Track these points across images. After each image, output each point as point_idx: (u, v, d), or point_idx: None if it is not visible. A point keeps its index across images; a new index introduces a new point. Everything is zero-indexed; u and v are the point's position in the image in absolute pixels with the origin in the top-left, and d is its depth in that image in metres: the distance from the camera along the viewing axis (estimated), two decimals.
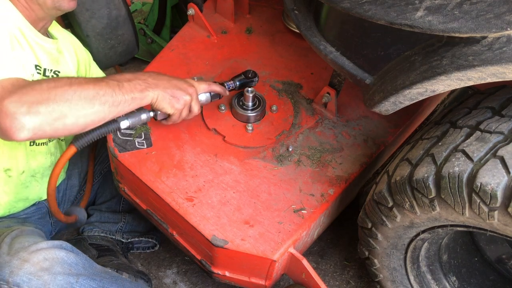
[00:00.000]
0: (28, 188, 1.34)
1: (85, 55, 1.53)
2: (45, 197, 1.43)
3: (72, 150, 1.09)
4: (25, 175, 1.30)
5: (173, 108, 1.12)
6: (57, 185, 1.50)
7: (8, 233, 1.15)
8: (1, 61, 1.01)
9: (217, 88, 1.24)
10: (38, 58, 1.26)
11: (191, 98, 1.14)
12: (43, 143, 1.31)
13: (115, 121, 1.08)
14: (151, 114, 1.15)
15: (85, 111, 0.97)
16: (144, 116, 1.13)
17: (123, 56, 1.79)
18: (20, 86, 0.96)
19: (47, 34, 1.35)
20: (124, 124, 1.10)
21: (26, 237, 1.14)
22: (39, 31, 1.27)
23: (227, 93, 1.28)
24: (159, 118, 1.18)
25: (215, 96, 1.26)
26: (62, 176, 1.54)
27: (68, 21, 1.68)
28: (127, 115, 1.11)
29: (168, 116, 1.16)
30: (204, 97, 1.23)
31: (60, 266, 1.06)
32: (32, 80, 1.10)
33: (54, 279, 1.04)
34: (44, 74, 1.29)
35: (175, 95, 1.11)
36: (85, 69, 1.52)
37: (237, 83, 1.31)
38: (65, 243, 1.15)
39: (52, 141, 1.35)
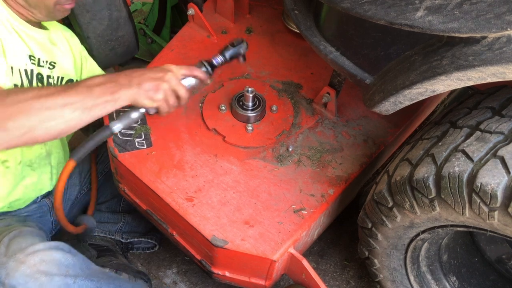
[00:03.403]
0: (25, 178, 1.34)
1: (80, 49, 1.53)
2: (45, 191, 1.44)
3: (71, 164, 1.08)
4: (22, 164, 1.30)
5: (154, 100, 1.07)
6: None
7: (6, 233, 1.14)
8: None
9: (198, 73, 1.16)
10: (30, 48, 1.27)
11: (169, 85, 1.09)
12: None
13: (107, 127, 1.07)
14: (142, 110, 1.11)
15: (54, 121, 0.95)
16: (135, 115, 1.10)
17: (123, 56, 1.79)
18: None
19: (39, 25, 1.36)
20: (117, 128, 1.07)
21: (24, 238, 1.13)
22: (31, 24, 1.28)
23: (209, 81, 1.19)
24: (151, 112, 1.12)
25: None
26: (61, 165, 1.53)
27: (68, 21, 1.68)
28: (118, 118, 1.09)
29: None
30: (188, 82, 1.15)
31: (57, 267, 1.06)
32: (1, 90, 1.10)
33: (51, 281, 1.03)
34: (38, 64, 1.30)
35: (151, 88, 1.06)
36: (81, 63, 1.52)
37: (226, 55, 1.20)
38: (63, 244, 1.15)
39: None
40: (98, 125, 1.29)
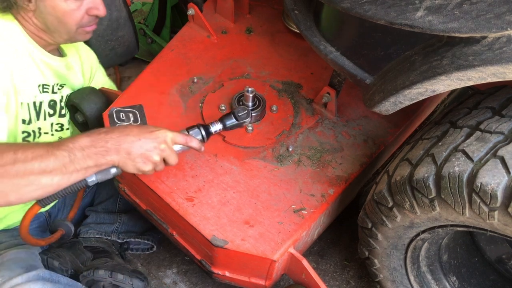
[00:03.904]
0: (26, 205, 1.33)
1: (91, 63, 1.53)
2: (43, 210, 1.43)
3: (36, 209, 1.04)
4: None
5: (140, 170, 1.01)
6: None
7: None
8: None
9: (193, 144, 1.10)
10: (45, 76, 1.27)
11: (160, 156, 1.02)
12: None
13: (82, 179, 0.99)
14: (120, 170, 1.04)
15: (29, 188, 0.90)
16: (114, 171, 1.02)
17: (123, 56, 1.79)
18: None
19: (57, 50, 1.36)
20: (92, 181, 1.01)
21: (3, 270, 1.11)
22: (49, 51, 1.28)
23: (203, 149, 1.13)
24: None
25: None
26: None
27: None
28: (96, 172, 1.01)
29: None
30: (180, 147, 1.10)
31: None
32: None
33: None
34: (52, 91, 1.31)
35: (141, 159, 0.99)
36: (90, 78, 1.53)
37: (227, 124, 1.19)
38: (43, 271, 1.13)
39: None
40: (98, 125, 1.30)
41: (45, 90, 1.27)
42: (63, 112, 1.39)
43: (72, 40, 1.26)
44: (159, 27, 2.40)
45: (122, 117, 1.32)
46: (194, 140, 1.10)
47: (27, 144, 1.01)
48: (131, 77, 2.48)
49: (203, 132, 1.15)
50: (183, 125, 1.32)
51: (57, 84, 1.34)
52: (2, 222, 1.30)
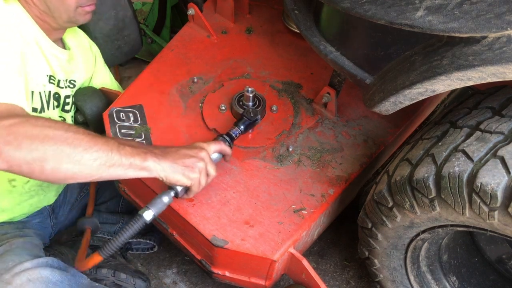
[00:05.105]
0: (33, 197, 1.33)
1: (95, 52, 1.55)
2: (48, 204, 1.43)
3: (98, 259, 1.01)
4: (31, 184, 1.30)
5: (189, 178, 1.01)
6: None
7: None
8: (3, 84, 0.97)
9: (227, 149, 1.15)
10: (52, 69, 1.27)
11: (205, 163, 1.04)
12: None
13: (139, 217, 0.99)
14: (172, 193, 1.04)
15: (69, 162, 0.86)
16: (166, 199, 1.03)
17: (128, 55, 1.81)
18: (16, 115, 0.90)
19: (61, 42, 1.36)
20: (149, 215, 1.00)
21: (12, 255, 1.11)
22: (54, 41, 1.28)
23: (230, 152, 1.18)
24: (180, 194, 1.06)
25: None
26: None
27: None
28: (148, 205, 1.01)
29: (188, 189, 1.07)
30: (215, 156, 1.14)
31: (44, 286, 1.05)
32: (34, 113, 1.08)
33: None
34: (58, 85, 1.30)
35: (188, 165, 1.01)
36: (93, 67, 1.53)
37: (242, 127, 1.22)
38: (52, 259, 1.13)
39: None
40: (98, 126, 1.29)
41: (51, 81, 1.26)
42: (66, 108, 1.38)
43: (72, 21, 1.25)
44: (159, 27, 2.40)
45: (122, 117, 1.32)
46: (225, 144, 1.15)
47: None
48: (131, 77, 2.49)
49: (228, 139, 1.18)
50: (183, 125, 1.33)
51: (66, 80, 1.34)
52: (7, 213, 1.30)
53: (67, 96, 1.37)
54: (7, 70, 1.01)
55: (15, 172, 0.87)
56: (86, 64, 1.47)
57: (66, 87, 1.36)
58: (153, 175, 0.97)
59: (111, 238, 1.59)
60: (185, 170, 1.00)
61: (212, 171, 1.07)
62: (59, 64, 1.31)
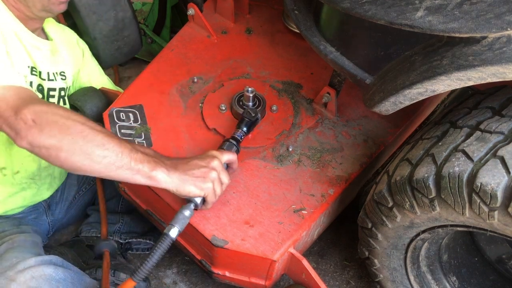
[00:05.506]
0: (25, 190, 1.33)
1: (83, 47, 1.54)
2: (42, 200, 1.43)
3: (131, 284, 1.00)
4: (21, 176, 1.29)
5: (202, 189, 1.01)
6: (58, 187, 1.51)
7: None
8: (5, 68, 0.99)
9: (236, 160, 1.16)
10: (33, 60, 1.25)
11: (217, 172, 1.04)
12: None
13: (166, 236, 1.00)
14: (192, 206, 1.04)
15: (81, 154, 0.90)
16: (187, 213, 1.03)
17: (128, 55, 1.81)
18: (38, 100, 0.95)
19: (43, 33, 1.35)
20: (174, 233, 1.01)
21: (15, 252, 1.12)
22: (33, 31, 1.26)
23: (237, 164, 1.19)
24: (199, 206, 1.06)
25: None
26: (63, 175, 1.54)
27: (71, 21, 1.68)
28: (173, 222, 1.01)
29: (204, 200, 1.06)
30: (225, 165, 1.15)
31: (48, 283, 1.05)
32: (37, 94, 1.08)
33: None
34: (40, 76, 1.28)
35: (198, 175, 1.01)
36: (80, 60, 1.52)
37: (244, 128, 1.23)
38: (55, 257, 1.14)
39: None
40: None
41: (33, 73, 1.25)
42: (51, 100, 1.35)
43: (47, 9, 1.23)
44: (159, 27, 2.40)
45: (122, 117, 1.32)
46: (235, 154, 1.16)
47: None
48: (131, 77, 2.48)
49: (235, 143, 1.18)
50: (183, 125, 1.33)
51: (55, 73, 1.32)
52: (3, 207, 1.30)
53: (51, 89, 1.34)
54: (2, 55, 1.03)
55: (36, 153, 0.92)
56: (72, 57, 1.46)
57: (52, 80, 1.34)
58: (162, 186, 0.98)
59: (110, 238, 1.59)
60: (196, 181, 1.00)
61: (225, 179, 1.07)
62: (42, 55, 1.29)
